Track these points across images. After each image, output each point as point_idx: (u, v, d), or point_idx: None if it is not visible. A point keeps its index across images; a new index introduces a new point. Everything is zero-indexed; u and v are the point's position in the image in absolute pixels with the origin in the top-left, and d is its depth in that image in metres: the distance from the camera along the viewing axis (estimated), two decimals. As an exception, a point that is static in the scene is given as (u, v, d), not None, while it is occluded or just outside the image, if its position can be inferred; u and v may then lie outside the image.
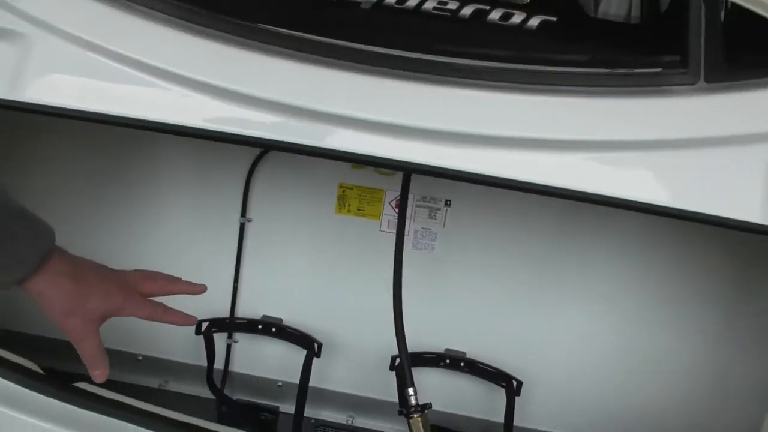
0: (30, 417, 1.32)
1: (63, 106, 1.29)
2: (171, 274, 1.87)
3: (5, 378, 1.33)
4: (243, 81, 1.26)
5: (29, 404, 1.32)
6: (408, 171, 1.53)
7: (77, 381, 1.41)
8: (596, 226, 1.80)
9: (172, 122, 1.27)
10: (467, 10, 1.27)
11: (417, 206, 1.85)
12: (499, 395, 1.83)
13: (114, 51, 1.29)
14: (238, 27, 1.28)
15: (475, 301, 1.88)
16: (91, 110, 1.28)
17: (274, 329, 1.87)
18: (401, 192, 1.57)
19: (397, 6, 1.27)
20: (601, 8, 1.37)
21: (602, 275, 1.83)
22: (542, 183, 1.26)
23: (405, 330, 1.55)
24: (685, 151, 1.26)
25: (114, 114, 1.28)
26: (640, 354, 1.83)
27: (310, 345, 1.82)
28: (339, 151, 1.26)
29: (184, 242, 1.88)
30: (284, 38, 1.27)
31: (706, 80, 1.26)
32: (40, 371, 1.40)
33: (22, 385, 1.33)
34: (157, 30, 1.29)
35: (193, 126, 1.27)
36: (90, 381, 1.42)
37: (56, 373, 1.51)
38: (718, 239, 1.74)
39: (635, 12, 1.37)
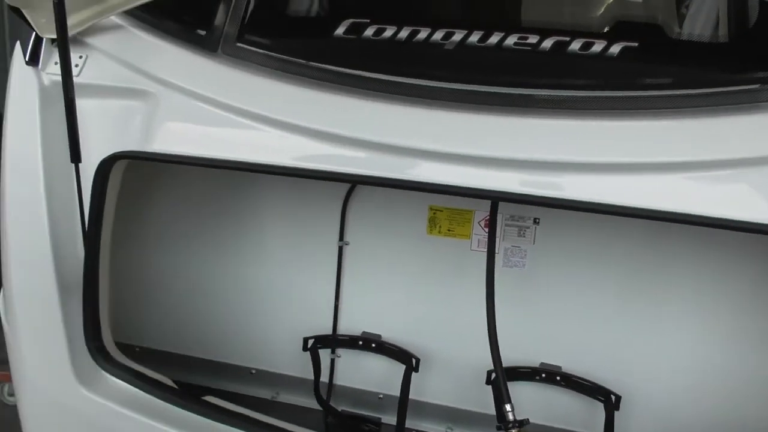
0: (166, 426, 1.50)
1: (186, 154, 1.47)
2: (276, 296, 2.05)
3: (145, 391, 1.53)
4: (341, 123, 1.38)
5: (165, 415, 1.51)
6: (493, 200, 1.59)
7: (206, 395, 1.60)
8: (693, 239, 1.77)
9: (274, 163, 1.41)
10: (547, 43, 1.32)
11: (506, 225, 1.89)
12: (597, 409, 1.84)
13: (226, 103, 1.45)
14: (331, 74, 1.41)
15: (568, 315, 1.89)
16: (210, 156, 1.46)
17: (373, 345, 1.98)
18: (489, 219, 1.63)
19: (479, 44, 1.34)
20: (685, 29, 1.37)
21: (701, 289, 1.79)
22: (638, 206, 1.28)
23: (500, 345, 1.61)
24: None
25: (228, 159, 1.44)
26: (741, 368, 1.77)
27: (408, 360, 1.91)
28: (425, 183, 1.35)
29: (288, 267, 2.04)
30: (373, 82, 1.38)
31: (812, 92, 1.24)
32: (174, 386, 1.59)
33: (160, 398, 1.52)
34: (262, 82, 1.45)
35: (293, 166, 1.41)
36: (216, 395, 1.60)
37: (187, 386, 1.71)
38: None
39: (722, 30, 1.36)
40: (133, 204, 1.98)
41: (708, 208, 1.27)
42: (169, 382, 1.58)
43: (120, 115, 1.53)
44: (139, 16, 1.58)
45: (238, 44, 1.47)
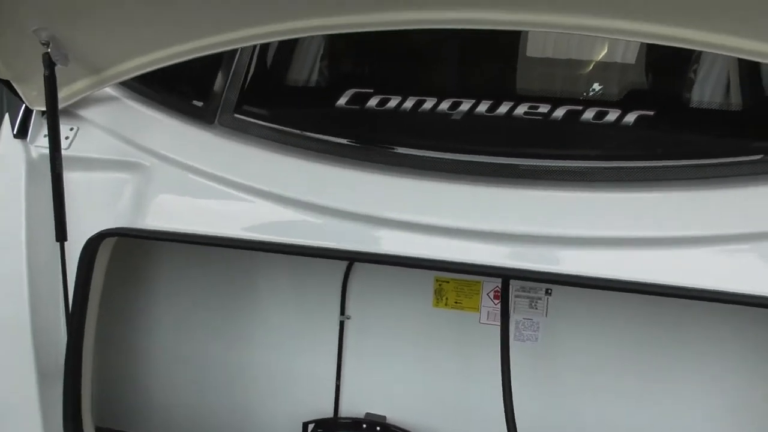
0: None
1: (179, 231, 1.39)
2: (274, 377, 1.92)
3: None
4: (342, 197, 1.31)
5: None
6: (504, 277, 1.51)
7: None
8: (707, 315, 1.68)
9: (276, 241, 1.33)
10: (559, 112, 1.27)
11: (517, 296, 1.80)
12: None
13: (223, 177, 1.39)
14: (332, 146, 1.35)
15: (582, 391, 1.78)
16: (202, 233, 1.38)
17: (378, 428, 1.84)
18: (501, 295, 1.54)
19: (487, 114, 1.29)
20: (695, 96, 1.33)
21: (716, 365, 1.69)
22: (653, 282, 1.21)
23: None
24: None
25: (223, 236, 1.37)
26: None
27: (415, 444, 1.78)
28: (433, 260, 1.28)
29: (286, 346, 1.93)
30: (378, 154, 1.32)
31: (820, 160, 1.19)
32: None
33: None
34: (261, 154, 1.39)
35: (293, 243, 1.34)
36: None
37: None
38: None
39: (735, 98, 1.32)
40: (123, 281, 1.88)
41: (718, 282, 1.20)
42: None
43: (111, 189, 1.47)
44: (134, 87, 1.54)
45: (236, 115, 1.42)
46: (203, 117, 1.43)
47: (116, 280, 1.61)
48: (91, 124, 1.51)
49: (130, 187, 1.44)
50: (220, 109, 1.43)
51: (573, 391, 1.78)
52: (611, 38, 1.39)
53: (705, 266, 1.22)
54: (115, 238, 1.46)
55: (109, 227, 1.39)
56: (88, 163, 1.48)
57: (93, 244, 1.39)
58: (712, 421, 1.70)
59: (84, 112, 1.52)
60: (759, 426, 1.66)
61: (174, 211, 1.41)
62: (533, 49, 1.68)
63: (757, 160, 1.23)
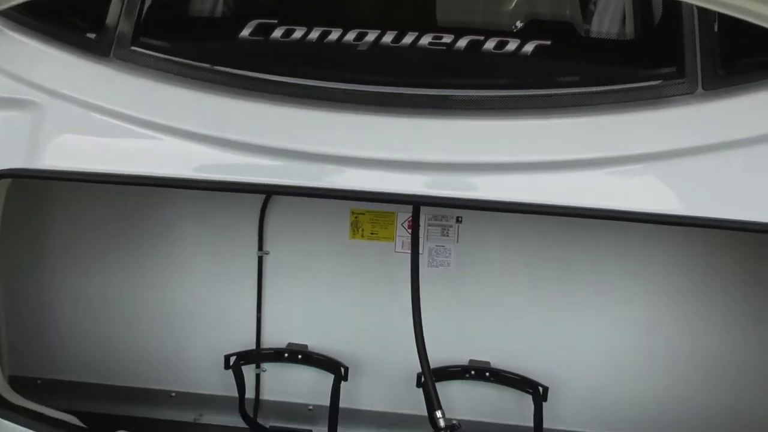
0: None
1: (78, 170, 1.34)
2: (195, 313, 1.93)
3: (47, 434, 1.39)
4: (246, 130, 1.30)
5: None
6: (415, 204, 1.56)
7: (116, 429, 1.47)
8: (605, 233, 1.82)
9: (179, 176, 1.31)
10: (462, 42, 1.30)
11: (429, 225, 1.87)
12: (526, 401, 1.86)
13: (121, 112, 1.33)
14: (238, 78, 1.32)
15: (494, 312, 1.91)
16: (106, 171, 1.33)
17: (300, 356, 1.91)
18: (412, 220, 1.60)
19: (393, 45, 1.30)
20: (593, 27, 1.39)
21: (615, 280, 1.85)
22: (550, 204, 1.29)
23: (429, 345, 1.58)
24: (689, 159, 1.28)
25: (126, 173, 1.33)
26: (655, 348, 1.86)
27: (336, 369, 1.86)
28: (345, 191, 1.30)
29: (205, 282, 1.93)
30: (284, 86, 1.30)
31: (704, 88, 1.29)
32: (81, 425, 1.45)
33: (66, 441, 1.39)
34: (163, 88, 1.34)
35: (200, 179, 1.32)
36: (130, 427, 1.48)
37: (95, 419, 1.58)
38: (722, 240, 1.76)
39: (628, 28, 1.39)
40: (24, 225, 1.80)
41: (619, 202, 1.30)
42: (74, 420, 1.44)
43: (0, 128, 1.37)
44: (18, 18, 1.42)
45: (133, 48, 1.35)
46: (97, 50, 1.35)
47: (15, 225, 1.54)
48: (-28, 58, 1.39)
49: (22, 126, 1.35)
50: (115, 41, 1.35)
51: (482, 311, 1.90)
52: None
53: (603, 187, 1.30)
54: (9, 180, 1.39)
55: (2, 168, 1.31)
56: (-29, 103, 1.38)
57: (-14, 188, 1.32)
58: (618, 337, 1.86)
59: (-38, 46, 1.40)
60: (664, 338, 1.84)
61: (73, 149, 1.35)
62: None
63: (645, 86, 1.32)
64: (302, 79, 1.32)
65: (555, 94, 1.31)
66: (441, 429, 1.43)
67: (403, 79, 1.31)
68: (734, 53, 1.31)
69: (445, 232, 1.88)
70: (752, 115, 1.28)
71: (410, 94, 1.31)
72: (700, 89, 1.30)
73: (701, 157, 1.28)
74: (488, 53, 1.30)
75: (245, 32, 1.32)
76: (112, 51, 1.35)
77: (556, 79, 1.33)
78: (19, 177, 1.36)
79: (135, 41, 1.35)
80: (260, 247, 1.90)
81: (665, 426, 1.87)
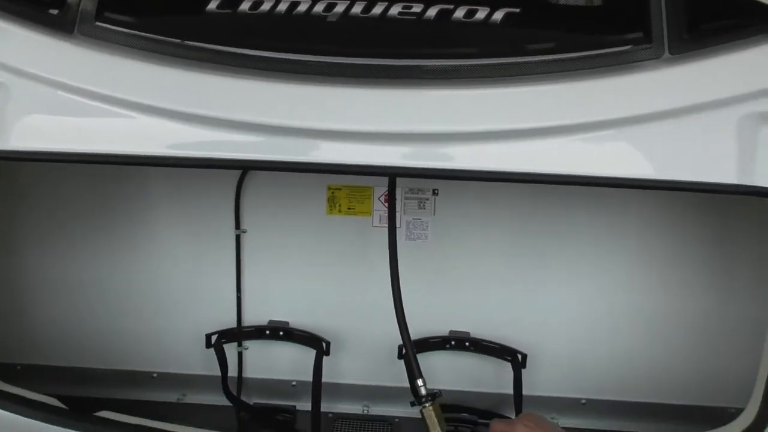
0: (59, 451, 1.37)
1: (48, 150, 1.31)
2: (174, 293, 1.93)
3: (30, 417, 1.38)
4: (217, 105, 1.28)
5: (56, 439, 1.37)
6: (391, 176, 1.56)
7: (98, 411, 1.47)
8: (577, 200, 1.85)
9: (150, 154, 1.29)
10: (432, 12, 1.29)
11: (406, 198, 1.88)
12: (506, 369, 1.90)
13: (89, 90, 1.31)
14: (206, 52, 1.30)
15: (472, 282, 1.93)
16: (76, 151, 1.31)
17: (281, 333, 1.92)
18: (389, 192, 1.61)
19: (362, 15, 1.29)
20: (561, -6, 1.39)
21: (589, 247, 1.89)
22: (524, 171, 1.31)
23: (409, 317, 1.60)
24: (658, 123, 1.30)
25: (97, 152, 1.31)
26: (632, 313, 1.90)
27: (318, 344, 1.87)
28: (321, 164, 1.30)
29: (183, 261, 1.92)
30: (254, 59, 1.29)
31: (671, 52, 1.30)
32: (62, 406, 1.45)
33: (48, 422, 1.38)
34: (130, 65, 1.31)
35: (172, 156, 1.30)
36: (112, 409, 1.48)
37: (77, 402, 1.57)
38: (690, 203, 1.79)
39: (596, -6, 1.40)
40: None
41: (592, 168, 1.32)
42: (55, 402, 1.43)
43: (-37, 110, 1.34)
44: (-25, -6, 1.38)
45: (98, 23, 1.31)
46: (61, 26, 1.31)
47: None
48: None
49: (-12, 107, 1.32)
50: (78, 16, 1.31)
51: (460, 281, 1.93)
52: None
53: (575, 153, 1.32)
54: (-23, 162, 1.36)
55: (-32, 151, 1.28)
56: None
57: (-49, 170, 1.29)
58: (596, 303, 1.90)
59: None
60: (642, 304, 1.88)
61: (41, 129, 1.32)
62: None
63: (612, 52, 1.33)
64: (272, 53, 1.30)
65: (524, 62, 1.32)
66: (422, 396, 1.45)
67: (375, 50, 1.30)
68: (700, 17, 1.32)
69: (422, 205, 1.89)
70: (718, 79, 1.30)
71: (383, 65, 1.30)
72: (666, 54, 1.31)
73: (670, 122, 1.30)
74: (458, 22, 1.29)
75: (212, 5, 1.30)
76: (76, 27, 1.31)
77: (525, 47, 1.33)
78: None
79: (99, 16, 1.31)
80: (237, 226, 1.89)
81: (644, 390, 1.93)
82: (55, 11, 1.33)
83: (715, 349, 1.89)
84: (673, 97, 1.30)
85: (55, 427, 1.37)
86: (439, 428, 1.43)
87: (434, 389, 1.50)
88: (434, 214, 1.90)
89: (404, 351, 1.54)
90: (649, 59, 1.30)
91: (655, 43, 1.30)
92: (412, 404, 1.52)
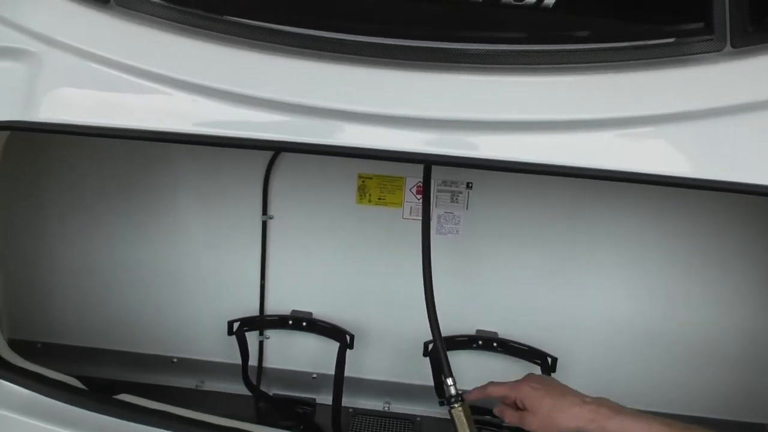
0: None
1: (78, 123, 1.28)
2: (196, 278, 1.89)
3: (50, 396, 1.36)
4: (252, 83, 1.23)
5: (75, 420, 1.35)
6: (428, 163, 1.51)
7: (118, 393, 1.44)
8: (619, 200, 1.77)
9: (182, 131, 1.25)
10: (480, -7, 1.23)
11: (439, 191, 1.82)
12: (534, 371, 1.83)
13: (122, 62, 1.27)
14: (245, 28, 1.25)
15: (502, 281, 1.87)
16: (106, 125, 1.28)
17: (304, 324, 1.87)
18: (423, 182, 1.55)
19: (408, -7, 1.23)
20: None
21: (629, 248, 1.81)
22: (565, 164, 1.24)
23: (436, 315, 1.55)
24: (716, 120, 1.23)
25: (127, 127, 1.27)
26: (667, 322, 1.82)
27: (342, 337, 1.82)
28: (356, 148, 1.25)
29: (208, 246, 1.88)
30: (291, 36, 1.24)
31: (733, 45, 1.22)
32: (82, 386, 1.42)
33: (64, 401, 1.35)
34: (165, 38, 1.27)
35: (204, 133, 1.26)
36: (131, 392, 1.45)
37: (97, 384, 1.55)
38: (737, 205, 1.70)
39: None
40: (22, 183, 1.75)
41: (640, 165, 1.25)
42: (76, 382, 1.40)
43: (-8, 79, 1.31)
44: (11, -39, 1.35)
45: (135, -6, 1.28)
46: (97, -4, 1.28)
47: (13, 182, 1.49)
48: (-38, 4, 1.33)
49: (18, 77, 1.29)
50: (116, -14, 1.28)
51: (489, 279, 1.87)
52: None
53: (623, 149, 1.25)
54: (7, 134, 1.33)
55: (-2, 121, 1.25)
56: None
57: (-20, 140, 1.26)
58: (631, 308, 1.82)
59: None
60: (680, 310, 1.80)
61: (72, 101, 1.28)
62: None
63: (670, 43, 1.25)
64: (312, 30, 1.25)
65: (574, 50, 1.24)
66: (452, 396, 1.39)
67: (419, 32, 1.24)
68: (765, 9, 1.24)
69: (455, 198, 1.83)
70: (783, 75, 1.22)
71: (424, 48, 1.24)
72: (728, 47, 1.23)
73: (730, 118, 1.23)
74: (507, 5, 1.23)
75: (253, -21, 1.26)
76: (112, -3, 1.28)
77: (576, 34, 1.26)
78: (16, 129, 1.29)
79: (137, -13, 1.28)
80: (264, 212, 1.85)
81: (677, 402, 1.85)
82: (91, -20, 1.30)
83: (755, 364, 1.80)
84: (735, 93, 1.23)
85: (74, 407, 1.34)
86: (468, 430, 1.37)
87: (464, 390, 1.44)
88: (467, 208, 1.84)
89: (434, 348, 1.49)
90: (710, 52, 1.23)
91: (717, 35, 1.22)
92: (441, 403, 1.46)
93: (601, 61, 1.24)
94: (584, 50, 1.23)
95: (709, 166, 1.23)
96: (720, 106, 1.21)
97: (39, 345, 1.91)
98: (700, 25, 1.23)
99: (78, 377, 1.48)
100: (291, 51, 1.24)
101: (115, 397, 1.38)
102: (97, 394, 1.39)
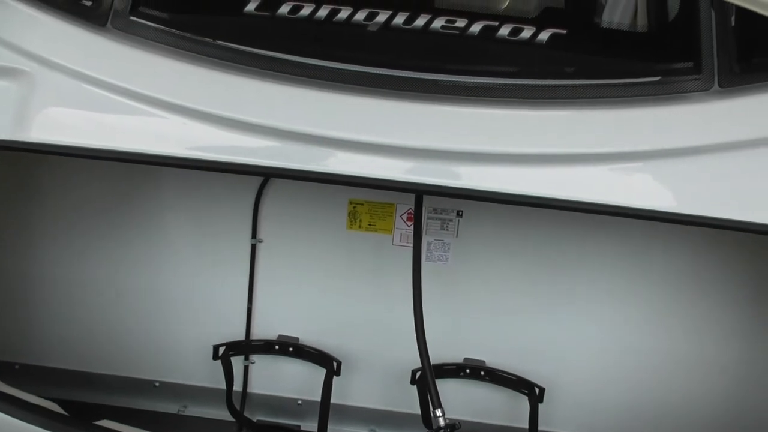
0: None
1: (68, 144, 1.27)
2: (182, 301, 1.87)
3: (27, 421, 1.32)
4: (245, 109, 1.24)
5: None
6: (419, 193, 1.51)
7: (99, 418, 1.41)
8: (606, 232, 1.79)
9: (174, 155, 1.25)
10: (476, 28, 1.25)
11: (429, 218, 1.83)
12: (521, 401, 1.83)
13: (115, 84, 1.27)
14: (240, 54, 1.26)
15: (491, 309, 1.86)
16: (96, 147, 1.27)
17: (291, 349, 1.85)
18: (414, 212, 1.55)
19: (404, 26, 1.25)
20: (605, 17, 1.35)
21: (614, 280, 1.82)
22: (554, 197, 1.26)
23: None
24: (703, 157, 1.25)
25: (118, 149, 1.27)
26: (656, 352, 1.83)
27: (328, 363, 1.80)
28: (347, 176, 1.25)
29: (195, 268, 1.86)
30: (285, 63, 1.25)
31: (720, 85, 1.25)
32: (62, 411, 1.38)
33: (45, 428, 1.32)
34: (159, 61, 1.28)
35: (196, 158, 1.26)
36: (111, 416, 1.42)
37: (77, 408, 1.51)
38: (724, 240, 1.73)
39: (641, 20, 1.35)
40: (8, 201, 1.72)
41: (628, 199, 1.27)
42: (55, 407, 1.37)
43: (-14, 98, 1.30)
44: (10, -18, 1.35)
45: (132, 17, 1.29)
46: (93, 18, 1.29)
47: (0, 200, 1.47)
48: (-41, 23, 1.32)
49: (11, 96, 1.29)
50: (112, 10, 1.29)
51: (478, 308, 1.86)
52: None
53: (611, 183, 1.27)
54: (-4, 152, 1.32)
55: (-13, 139, 1.24)
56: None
57: (-32, 159, 1.25)
58: (617, 338, 1.82)
59: (-51, 9, 1.32)
60: (665, 340, 1.81)
61: (63, 122, 1.28)
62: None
63: (659, 81, 1.28)
64: (308, 59, 1.27)
65: (568, 85, 1.28)
66: (441, 428, 1.38)
67: (413, 63, 1.26)
68: (751, 50, 1.28)
69: (445, 226, 1.84)
70: (769, 115, 1.25)
71: (419, 79, 1.26)
72: (716, 86, 1.26)
73: (716, 156, 1.25)
74: (502, 40, 1.26)
75: (251, 6, 1.27)
76: (108, 20, 1.29)
77: (569, 70, 1.29)
78: (5, 149, 1.29)
79: (133, 11, 1.29)
80: (254, 235, 1.84)
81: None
82: (88, 2, 1.31)
83: (742, 393, 1.81)
84: (721, 131, 1.26)
85: (52, 433, 1.30)
86: (456, 462, 1.36)
87: (454, 420, 1.43)
88: (457, 236, 1.84)
89: (422, 376, 1.48)
90: (698, 91, 1.26)
91: (704, 74, 1.26)
92: (428, 435, 1.45)
93: (592, 97, 1.26)
94: (576, 86, 1.25)
95: (695, 202, 1.26)
96: (707, 144, 1.24)
97: (17, 366, 1.87)
98: (689, 64, 1.27)
99: (57, 401, 1.45)
100: (285, 78, 1.25)
101: (95, 423, 1.35)
102: (77, 420, 1.36)
